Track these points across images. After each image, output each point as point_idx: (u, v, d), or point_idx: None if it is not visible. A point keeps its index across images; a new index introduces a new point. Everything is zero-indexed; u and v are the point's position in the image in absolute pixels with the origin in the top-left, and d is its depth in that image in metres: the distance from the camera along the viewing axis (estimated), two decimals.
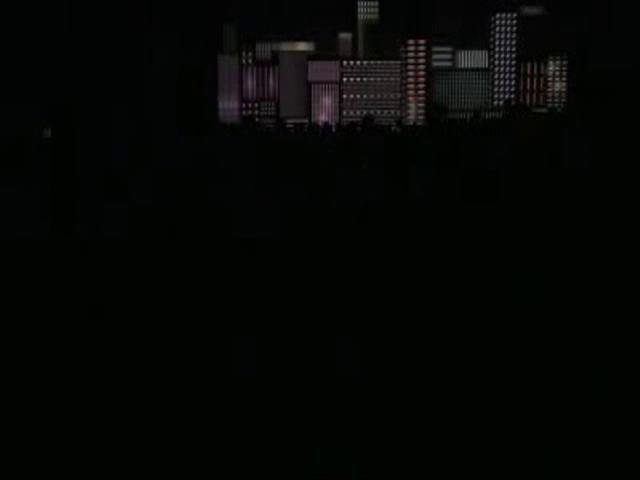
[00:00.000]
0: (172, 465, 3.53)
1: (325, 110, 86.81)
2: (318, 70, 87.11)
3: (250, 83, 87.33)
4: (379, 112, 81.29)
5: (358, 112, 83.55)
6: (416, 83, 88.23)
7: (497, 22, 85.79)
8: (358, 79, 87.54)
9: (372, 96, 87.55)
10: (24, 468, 3.49)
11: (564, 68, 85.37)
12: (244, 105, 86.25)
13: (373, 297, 6.67)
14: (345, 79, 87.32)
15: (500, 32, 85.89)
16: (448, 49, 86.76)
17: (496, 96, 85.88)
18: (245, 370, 4.83)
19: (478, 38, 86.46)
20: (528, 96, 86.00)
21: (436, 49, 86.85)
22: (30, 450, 3.67)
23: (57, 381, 4.69)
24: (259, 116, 79.81)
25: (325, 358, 4.97)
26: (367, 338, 5.44)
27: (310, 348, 5.20)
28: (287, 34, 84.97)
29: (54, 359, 5.13)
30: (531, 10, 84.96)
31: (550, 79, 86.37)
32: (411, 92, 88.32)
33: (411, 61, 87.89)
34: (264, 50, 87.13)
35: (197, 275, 7.32)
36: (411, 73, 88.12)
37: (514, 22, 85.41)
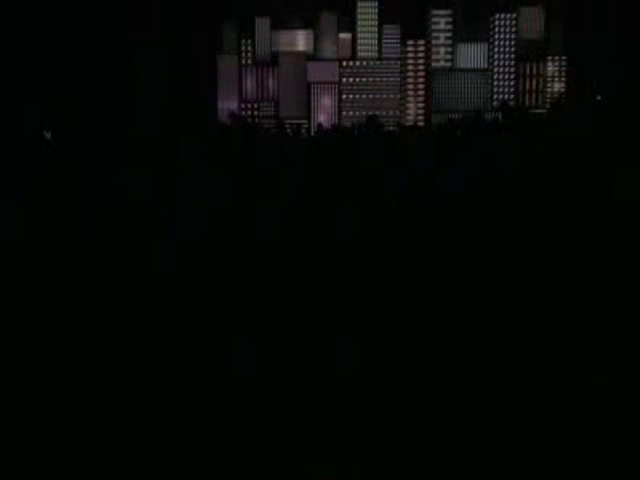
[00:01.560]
0: (169, 461, 3.53)
1: (325, 110, 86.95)
2: (317, 70, 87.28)
3: (250, 83, 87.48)
4: (378, 112, 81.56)
5: (357, 112, 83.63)
6: (415, 83, 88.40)
7: (496, 22, 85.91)
8: (357, 79, 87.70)
9: (372, 96, 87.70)
10: (21, 467, 3.49)
11: (563, 69, 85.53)
12: (244, 105, 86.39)
13: (374, 295, 6.68)
14: (344, 79, 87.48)
15: (499, 32, 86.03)
16: (448, 30, 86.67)
17: (495, 97, 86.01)
18: (245, 368, 4.82)
19: (478, 34, 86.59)
20: (527, 97, 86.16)
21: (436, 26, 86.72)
22: (27, 446, 3.67)
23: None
24: (259, 116, 79.91)
25: (325, 358, 4.97)
26: (367, 338, 5.44)
27: (310, 348, 5.20)
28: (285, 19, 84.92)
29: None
30: (530, 35, 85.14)
31: (549, 79, 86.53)
32: (410, 92, 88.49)
33: (410, 61, 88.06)
34: (263, 26, 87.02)
35: (198, 274, 7.32)
36: (410, 73, 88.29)
37: (513, 23, 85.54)
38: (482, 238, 8.35)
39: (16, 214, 7.04)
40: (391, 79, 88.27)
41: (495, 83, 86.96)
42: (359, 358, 4.90)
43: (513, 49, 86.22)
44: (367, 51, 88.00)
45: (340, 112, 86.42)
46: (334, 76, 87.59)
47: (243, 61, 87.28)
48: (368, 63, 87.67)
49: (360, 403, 4.14)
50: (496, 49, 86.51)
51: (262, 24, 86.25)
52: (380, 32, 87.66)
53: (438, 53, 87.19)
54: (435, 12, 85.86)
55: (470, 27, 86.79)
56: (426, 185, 9.29)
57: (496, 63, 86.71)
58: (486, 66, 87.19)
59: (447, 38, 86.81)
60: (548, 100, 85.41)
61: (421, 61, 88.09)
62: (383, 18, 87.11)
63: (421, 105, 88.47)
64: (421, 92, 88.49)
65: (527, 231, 8.12)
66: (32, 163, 7.51)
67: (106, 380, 4.63)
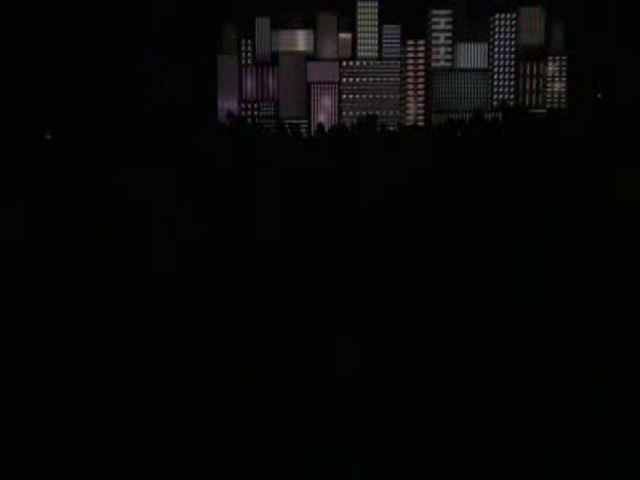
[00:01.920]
0: (168, 460, 3.54)
1: (325, 110, 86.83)
2: (317, 70, 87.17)
3: (250, 83, 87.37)
4: (378, 112, 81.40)
5: (357, 112, 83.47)
6: (415, 83, 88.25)
7: (496, 22, 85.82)
8: (357, 79, 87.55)
9: (372, 96, 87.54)
10: (24, 466, 3.50)
11: (563, 68, 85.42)
12: (244, 105, 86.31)
13: (374, 295, 6.69)
14: (344, 79, 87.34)
15: (499, 32, 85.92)
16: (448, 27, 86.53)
17: (495, 97, 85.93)
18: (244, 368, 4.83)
19: (478, 34, 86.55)
20: (527, 96, 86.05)
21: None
22: (31, 446, 3.68)
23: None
24: (259, 116, 79.85)
25: (325, 358, 4.98)
26: (367, 338, 5.44)
27: (310, 348, 5.21)
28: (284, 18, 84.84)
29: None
30: (530, 35, 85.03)
31: (550, 79, 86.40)
32: (410, 92, 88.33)
33: (410, 61, 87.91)
34: (263, 26, 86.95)
35: (199, 274, 7.33)
36: (410, 73, 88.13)
37: (513, 23, 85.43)
38: (482, 238, 8.37)
39: (18, 214, 7.07)
40: (391, 79, 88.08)
41: (495, 83, 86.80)
42: (359, 358, 4.91)
43: (513, 49, 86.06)
44: (367, 51, 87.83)
45: (340, 112, 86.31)
46: (334, 76, 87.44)
47: (243, 61, 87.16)
48: (368, 63, 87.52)
49: (360, 403, 4.14)
50: (496, 49, 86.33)
51: (262, 24, 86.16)
52: (380, 32, 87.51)
53: (438, 53, 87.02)
54: (435, 12, 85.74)
55: (470, 27, 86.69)
56: (426, 185, 9.31)
57: (496, 63, 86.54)
58: (486, 66, 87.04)
59: (447, 38, 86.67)
60: (548, 100, 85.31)
61: (421, 61, 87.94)
62: (383, 18, 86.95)
63: (421, 105, 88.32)
64: (421, 92, 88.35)
65: (527, 231, 8.13)
66: (33, 163, 7.53)
67: (105, 382, 4.64)
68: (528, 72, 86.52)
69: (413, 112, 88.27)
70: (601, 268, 7.11)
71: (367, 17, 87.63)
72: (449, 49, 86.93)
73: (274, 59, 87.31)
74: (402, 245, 8.44)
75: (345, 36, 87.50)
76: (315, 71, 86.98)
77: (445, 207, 8.97)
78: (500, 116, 11.04)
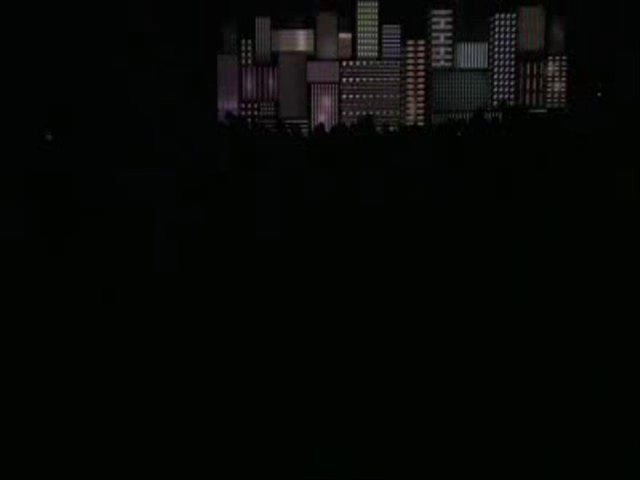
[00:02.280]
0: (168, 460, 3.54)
1: (325, 110, 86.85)
2: (317, 70, 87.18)
3: (250, 83, 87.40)
4: (378, 112, 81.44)
5: (357, 112, 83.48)
6: (415, 83, 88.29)
7: (496, 22, 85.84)
8: (357, 79, 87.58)
9: (372, 96, 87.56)
10: (24, 466, 3.50)
11: (563, 68, 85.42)
12: (244, 105, 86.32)
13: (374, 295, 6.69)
14: (344, 79, 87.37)
15: (499, 32, 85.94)
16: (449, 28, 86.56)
17: (495, 97, 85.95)
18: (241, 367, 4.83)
19: (478, 34, 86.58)
20: (527, 96, 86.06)
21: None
22: (33, 446, 3.68)
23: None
24: (259, 116, 79.83)
25: (324, 358, 4.98)
26: (367, 338, 5.45)
27: (309, 349, 5.21)
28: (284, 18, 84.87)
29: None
30: (531, 35, 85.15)
31: (550, 79, 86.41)
32: (410, 92, 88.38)
33: (410, 61, 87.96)
34: (263, 26, 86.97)
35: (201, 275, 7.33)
36: (410, 73, 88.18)
37: (513, 23, 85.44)
38: (481, 237, 8.37)
39: (18, 214, 7.08)
40: (391, 79, 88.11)
41: (495, 83, 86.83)
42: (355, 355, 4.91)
43: (513, 49, 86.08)
44: (367, 51, 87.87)
45: (340, 112, 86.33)
46: (334, 76, 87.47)
47: (243, 61, 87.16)
48: (368, 63, 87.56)
49: (360, 403, 4.15)
50: (496, 49, 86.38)
51: (262, 24, 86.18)
52: (380, 32, 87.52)
53: (438, 53, 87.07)
54: (435, 12, 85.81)
55: (470, 27, 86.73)
56: (426, 185, 9.33)
57: (496, 63, 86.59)
58: (486, 66, 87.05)
59: (447, 38, 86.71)
60: (548, 100, 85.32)
61: (421, 61, 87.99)
62: (383, 18, 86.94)
63: (421, 105, 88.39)
64: (421, 92, 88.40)
65: (527, 230, 8.14)
66: (33, 164, 7.54)
67: (104, 382, 4.64)
68: (528, 72, 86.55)
69: (413, 112, 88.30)
70: (601, 268, 7.11)
71: (367, 17, 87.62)
72: (449, 49, 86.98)
73: (274, 59, 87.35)
74: (401, 245, 8.44)
75: (345, 36, 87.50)
76: (315, 71, 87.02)
77: (444, 207, 8.98)
78: (500, 116, 11.05)
